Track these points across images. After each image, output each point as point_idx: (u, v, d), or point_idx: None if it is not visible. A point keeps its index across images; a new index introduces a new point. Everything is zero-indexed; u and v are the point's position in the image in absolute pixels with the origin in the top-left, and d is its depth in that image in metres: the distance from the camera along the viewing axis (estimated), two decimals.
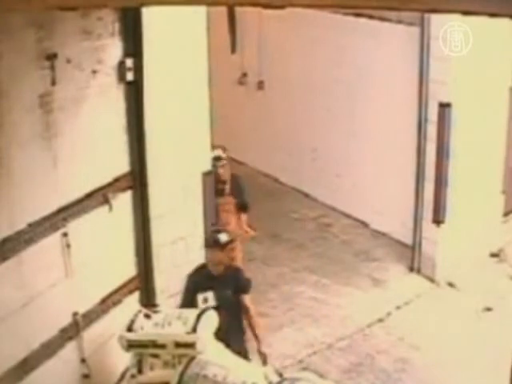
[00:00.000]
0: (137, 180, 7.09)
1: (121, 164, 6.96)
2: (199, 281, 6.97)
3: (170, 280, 7.46)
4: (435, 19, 9.02)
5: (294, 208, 11.60)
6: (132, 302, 7.13)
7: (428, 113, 9.49)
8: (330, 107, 11.26)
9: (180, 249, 7.49)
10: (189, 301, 6.91)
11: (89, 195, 6.54)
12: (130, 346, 6.42)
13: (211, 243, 6.99)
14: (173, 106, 7.19)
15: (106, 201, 6.73)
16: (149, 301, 7.24)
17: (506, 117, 9.91)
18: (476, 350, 8.19)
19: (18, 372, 5.88)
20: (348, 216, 11.29)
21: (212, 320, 6.57)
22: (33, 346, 6.04)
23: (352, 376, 8.13)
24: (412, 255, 9.97)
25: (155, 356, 6.42)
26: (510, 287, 9.43)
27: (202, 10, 7.21)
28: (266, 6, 4.01)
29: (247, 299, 7.05)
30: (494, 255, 10.11)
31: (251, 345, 7.15)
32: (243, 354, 6.84)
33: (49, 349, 6.20)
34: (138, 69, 6.83)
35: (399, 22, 9.70)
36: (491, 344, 8.11)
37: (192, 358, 6.26)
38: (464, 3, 3.49)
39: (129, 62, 6.78)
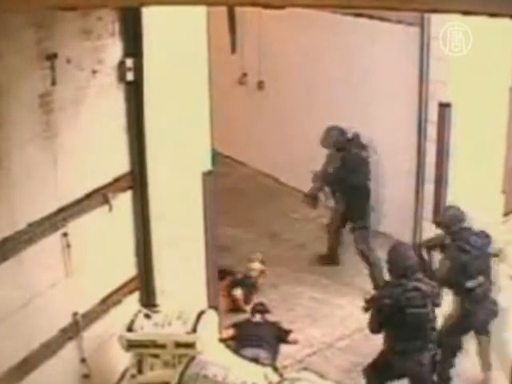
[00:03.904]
0: (137, 180, 7.08)
1: (121, 164, 6.95)
2: None
3: (169, 280, 7.45)
4: (435, 19, 9.03)
5: (294, 208, 11.58)
6: (132, 301, 7.12)
7: (428, 113, 9.50)
8: (330, 107, 11.25)
9: (180, 249, 7.48)
10: None
11: (89, 195, 6.53)
12: (130, 346, 6.43)
13: None
14: (173, 105, 7.17)
15: (106, 201, 6.72)
16: (149, 301, 7.23)
17: (506, 117, 9.91)
18: None
19: (18, 372, 5.87)
20: None
21: (212, 320, 6.58)
22: (33, 345, 6.02)
23: (352, 376, 8.12)
24: None
25: (155, 356, 6.43)
26: (510, 287, 9.40)
27: (202, 10, 7.21)
28: (266, 6, 4.01)
29: None
30: (493, 255, 10.07)
31: None
32: None
33: (49, 349, 6.19)
34: (138, 69, 6.82)
35: (399, 22, 9.70)
36: None
37: (192, 358, 6.27)
38: (464, 3, 3.50)
39: (129, 62, 6.77)
